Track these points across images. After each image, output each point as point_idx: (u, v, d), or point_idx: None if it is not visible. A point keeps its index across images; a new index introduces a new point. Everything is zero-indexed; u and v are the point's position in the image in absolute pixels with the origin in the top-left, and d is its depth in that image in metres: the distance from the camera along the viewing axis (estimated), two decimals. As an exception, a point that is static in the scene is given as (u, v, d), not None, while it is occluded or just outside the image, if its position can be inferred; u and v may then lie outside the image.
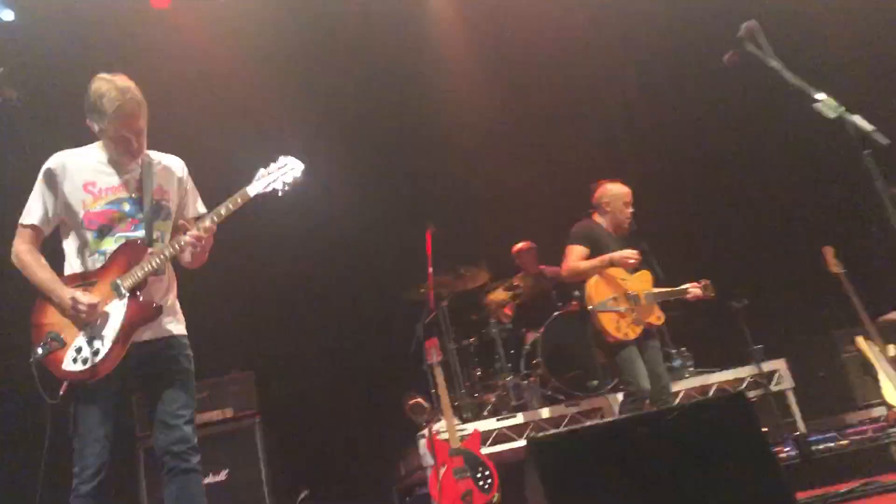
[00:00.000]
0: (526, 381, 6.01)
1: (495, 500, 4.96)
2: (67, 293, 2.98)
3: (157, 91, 3.47)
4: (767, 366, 5.90)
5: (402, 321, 6.58)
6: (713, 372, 6.03)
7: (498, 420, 5.63)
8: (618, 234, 5.14)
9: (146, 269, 3.04)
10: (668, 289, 5.11)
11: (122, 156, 3.18)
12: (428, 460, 5.22)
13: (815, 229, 7.04)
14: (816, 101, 3.15)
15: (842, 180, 6.95)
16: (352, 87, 7.52)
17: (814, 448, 2.72)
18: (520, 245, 7.05)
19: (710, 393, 5.94)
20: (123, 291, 3.02)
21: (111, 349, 2.95)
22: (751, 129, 7.74)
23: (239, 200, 3.16)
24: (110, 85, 3.06)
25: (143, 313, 3.04)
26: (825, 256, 5.85)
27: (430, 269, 6.02)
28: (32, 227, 3.12)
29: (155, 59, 6.56)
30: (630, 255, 4.91)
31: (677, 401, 5.74)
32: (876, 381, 5.65)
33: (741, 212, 7.72)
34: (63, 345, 2.95)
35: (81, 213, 3.10)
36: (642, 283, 5.03)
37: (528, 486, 1.80)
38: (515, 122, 7.77)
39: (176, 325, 3.24)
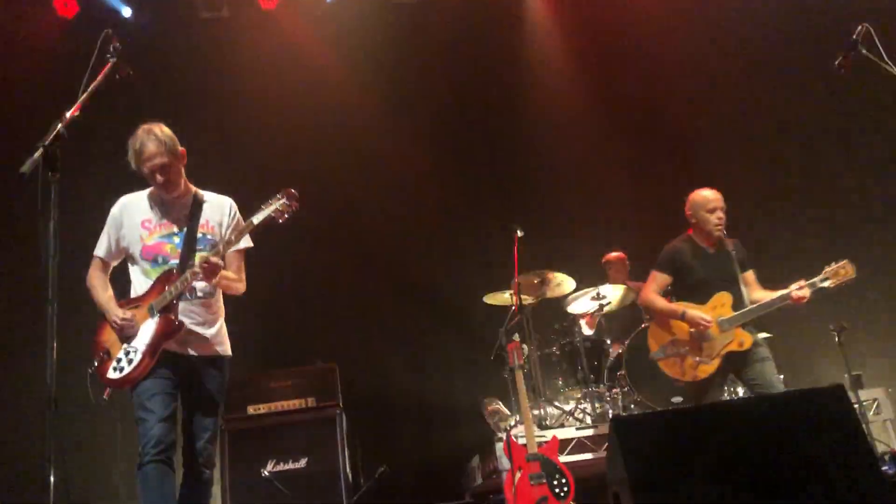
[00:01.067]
0: (608, 393, 5.90)
1: (571, 508, 4.88)
2: (114, 312, 3.52)
3: (257, 86, 3.68)
4: (866, 394, 5.61)
5: (486, 325, 6.58)
6: (806, 396, 5.76)
7: (577, 429, 5.54)
8: (714, 247, 4.86)
9: (172, 292, 3.47)
10: (752, 307, 4.66)
11: (163, 193, 3.64)
12: (504, 464, 5.19)
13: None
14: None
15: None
16: (445, 88, 7.62)
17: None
18: (611, 255, 6.97)
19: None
20: (155, 312, 3.48)
21: (140, 360, 3.42)
22: (862, 138, 7.43)
23: (243, 230, 3.58)
24: (140, 129, 3.54)
25: (166, 328, 3.47)
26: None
27: (517, 273, 6.01)
28: (100, 258, 3.69)
29: (261, 57, 6.84)
30: (702, 320, 4.65)
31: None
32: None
33: (843, 233, 7.40)
34: (109, 358, 3.51)
35: (140, 247, 3.61)
36: (717, 308, 4.72)
37: (610, 465, 1.78)
38: (614, 129, 7.70)
39: (221, 347, 3.70)
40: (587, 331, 6.59)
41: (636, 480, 1.62)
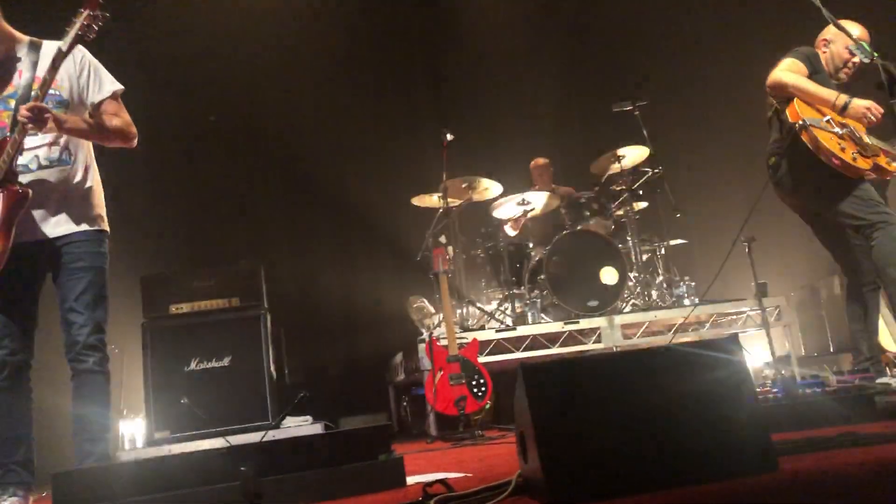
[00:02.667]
0: (528, 296, 6.09)
1: (487, 407, 5.11)
2: None
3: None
4: (769, 301, 5.94)
5: (413, 227, 6.63)
6: (715, 303, 6.08)
7: (497, 332, 5.72)
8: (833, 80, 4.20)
9: (5, 160, 2.98)
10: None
11: None
12: (426, 364, 5.36)
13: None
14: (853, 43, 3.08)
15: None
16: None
17: (801, 391, 2.81)
18: (537, 160, 7.04)
19: (709, 323, 6.03)
20: None
21: None
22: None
23: (59, 58, 3.02)
24: None
25: (12, 200, 2.98)
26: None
27: (445, 177, 6.03)
28: None
29: None
30: (875, 108, 3.88)
31: (675, 328, 5.88)
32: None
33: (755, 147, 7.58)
34: None
35: None
36: (856, 125, 3.98)
37: (517, 406, 1.87)
38: (544, 36, 7.59)
39: (87, 223, 3.24)
40: (511, 232, 6.71)
41: (539, 425, 1.71)
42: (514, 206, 6.33)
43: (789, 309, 6.14)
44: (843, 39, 4.09)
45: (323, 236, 7.24)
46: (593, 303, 5.90)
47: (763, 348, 5.95)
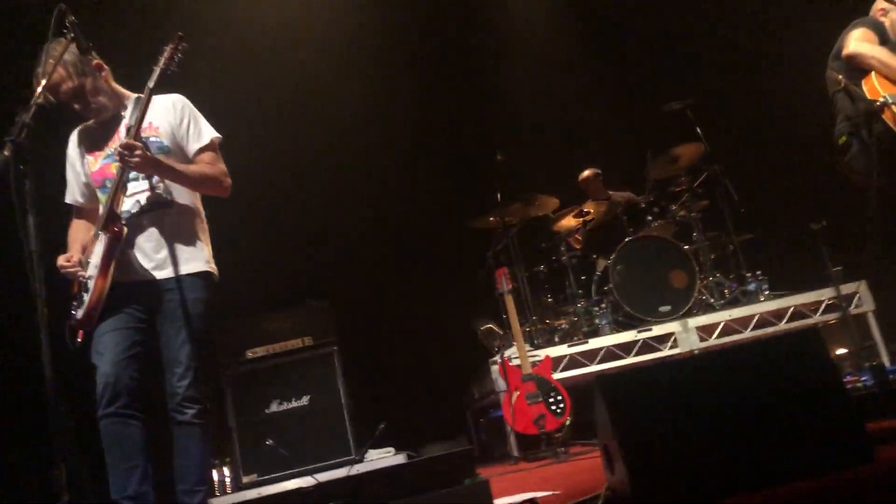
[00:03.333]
0: (597, 308, 6.03)
1: (568, 423, 5.06)
2: (60, 259, 3.11)
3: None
4: (846, 288, 5.74)
5: (473, 250, 6.65)
6: (790, 295, 5.91)
7: (569, 346, 5.67)
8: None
9: (108, 204, 3.04)
10: None
11: (89, 119, 3.27)
12: (500, 385, 5.34)
13: None
14: None
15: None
16: (424, 15, 7.43)
17: (892, 378, 2.70)
18: (585, 173, 6.99)
19: (787, 317, 5.85)
20: (98, 232, 3.07)
21: (94, 285, 3.00)
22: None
23: (146, 98, 3.08)
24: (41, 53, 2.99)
25: (113, 239, 3.03)
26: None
27: (499, 197, 6.04)
28: (72, 205, 3.32)
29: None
30: None
31: (751, 325, 5.73)
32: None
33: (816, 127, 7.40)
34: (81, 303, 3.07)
35: (88, 174, 3.24)
36: None
37: (598, 420, 1.85)
38: (589, 51, 7.59)
39: (193, 265, 3.23)
40: (574, 246, 6.67)
41: (622, 436, 1.70)
42: (573, 219, 6.30)
43: (869, 295, 5.92)
44: None
45: (385, 267, 7.30)
46: (665, 308, 5.80)
47: (847, 337, 5.75)
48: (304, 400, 5.54)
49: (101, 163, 3.20)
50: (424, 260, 7.28)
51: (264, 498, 2.37)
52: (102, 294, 3.00)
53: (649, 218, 6.20)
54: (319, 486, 2.39)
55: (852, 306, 5.76)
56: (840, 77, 4.01)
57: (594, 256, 6.40)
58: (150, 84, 3.04)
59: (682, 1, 7.50)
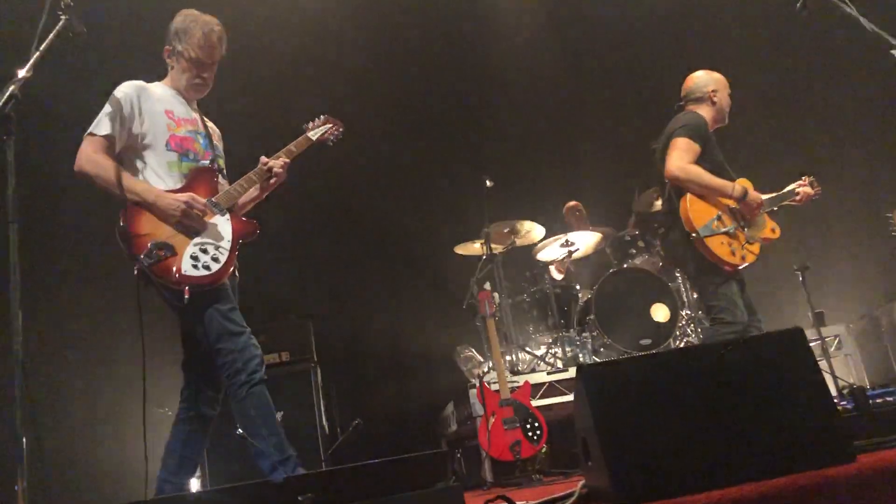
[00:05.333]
0: (579, 338, 6.01)
1: (544, 451, 4.99)
2: (180, 196, 3.09)
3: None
4: (828, 330, 5.77)
5: (458, 275, 6.63)
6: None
7: (549, 374, 5.63)
8: (714, 133, 4.36)
9: (238, 191, 3.27)
10: (775, 194, 4.37)
11: (190, 89, 3.40)
12: (478, 410, 5.28)
13: (881, 191, 6.81)
14: (894, 47, 3.06)
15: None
16: (417, 39, 7.50)
17: (872, 402, 2.68)
18: (569, 204, 7.04)
19: (767, 356, 5.84)
20: (224, 208, 3.21)
21: (228, 258, 3.12)
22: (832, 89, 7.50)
23: (303, 142, 3.52)
24: (200, 15, 3.35)
25: (247, 229, 3.26)
26: (893, 219, 5.67)
27: (486, 223, 6.05)
28: (107, 136, 3.14)
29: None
30: (760, 201, 4.13)
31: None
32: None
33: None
34: (174, 253, 3.03)
35: (168, 136, 3.25)
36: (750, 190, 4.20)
37: (577, 412, 1.82)
38: (578, 84, 7.68)
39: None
40: (557, 276, 6.66)
41: (602, 428, 1.66)
42: (558, 248, 6.30)
43: (850, 338, 5.95)
44: (726, 86, 4.34)
45: (369, 288, 7.27)
46: (646, 341, 5.79)
47: (826, 380, 5.76)
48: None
49: (186, 133, 3.31)
50: (408, 282, 7.26)
51: (233, 487, 2.30)
52: (229, 271, 3.15)
53: (633, 251, 6.22)
54: (290, 479, 2.33)
55: (833, 348, 5.78)
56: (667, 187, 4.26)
57: (577, 287, 6.40)
58: (312, 137, 3.61)
59: (677, 39, 7.61)
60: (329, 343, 6.20)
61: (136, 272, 2.98)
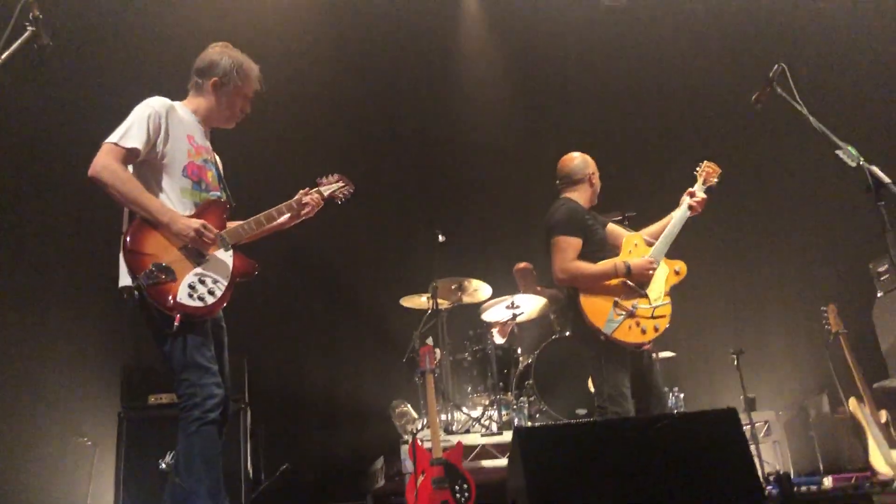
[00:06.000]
0: (516, 402, 5.99)
1: (471, 514, 4.92)
2: (193, 220, 3.07)
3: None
4: (758, 416, 5.87)
5: (401, 327, 6.59)
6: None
7: (482, 436, 5.59)
8: (590, 208, 4.46)
9: (246, 230, 3.29)
10: (663, 228, 4.24)
11: (223, 120, 3.49)
12: (408, 467, 5.19)
13: (819, 286, 7.02)
14: (839, 148, 3.19)
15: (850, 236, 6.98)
16: (378, 88, 7.59)
17: (796, 489, 2.71)
18: (519, 265, 7.09)
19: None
20: (228, 243, 3.20)
21: (225, 292, 3.11)
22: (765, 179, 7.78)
23: (318, 197, 3.60)
24: (238, 52, 3.47)
25: (247, 268, 3.25)
26: (828, 314, 5.85)
27: (435, 278, 6.05)
28: (133, 150, 3.08)
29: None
30: (647, 262, 4.08)
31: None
32: (864, 445, 5.63)
33: (746, 261, 7.71)
34: (174, 279, 3.00)
35: (186, 162, 3.23)
36: (634, 250, 4.19)
37: (510, 474, 1.80)
38: (536, 145, 7.82)
39: None
40: (499, 340, 6.67)
41: (534, 491, 1.65)
42: (504, 310, 6.32)
43: (778, 425, 6.06)
44: (592, 166, 4.42)
45: (310, 331, 7.17)
46: (582, 410, 5.80)
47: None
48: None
49: (201, 162, 3.31)
50: (351, 329, 7.18)
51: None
52: (223, 305, 3.15)
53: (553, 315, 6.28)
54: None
55: (762, 434, 5.87)
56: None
57: (519, 350, 6.41)
58: (325, 193, 3.65)
59: (637, 108, 7.84)
60: (263, 384, 6.07)
61: (126, 290, 2.99)
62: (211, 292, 3.06)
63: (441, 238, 6.04)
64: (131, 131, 3.09)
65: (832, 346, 5.80)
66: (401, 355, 6.26)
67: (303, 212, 3.54)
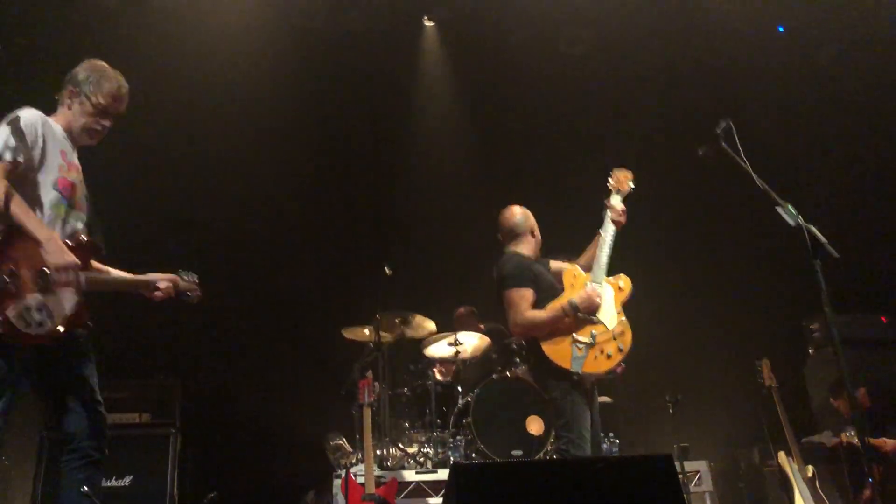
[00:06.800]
0: (452, 440, 5.94)
1: (401, 552, 4.85)
2: (70, 256, 2.99)
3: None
4: (690, 465, 5.93)
5: (341, 359, 6.51)
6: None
7: (417, 473, 5.53)
8: (535, 256, 4.53)
9: (107, 284, 3.32)
10: (601, 251, 4.28)
11: (85, 134, 3.35)
12: (339, 501, 5.11)
13: (755, 340, 7.18)
14: (778, 205, 3.30)
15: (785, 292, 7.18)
16: (332, 117, 7.58)
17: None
18: (460, 310, 7.03)
19: (631, 483, 5.93)
20: (82, 289, 3.07)
21: (53, 329, 2.95)
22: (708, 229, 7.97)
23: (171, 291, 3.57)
24: (112, 69, 3.37)
25: (80, 319, 3.09)
26: (762, 369, 5.98)
27: (378, 310, 6.01)
28: (14, 162, 3.00)
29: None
30: (592, 293, 4.11)
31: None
32: (791, 498, 5.74)
33: (687, 312, 7.83)
34: (15, 292, 2.88)
35: (57, 176, 3.17)
36: (576, 282, 4.24)
37: (446, 511, 1.78)
38: (488, 183, 7.88)
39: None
40: (439, 377, 6.62)
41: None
42: (446, 346, 6.30)
43: (709, 476, 6.12)
44: (532, 218, 4.52)
45: (247, 357, 7.04)
46: (517, 452, 5.75)
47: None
48: (126, 480, 5.12)
49: (73, 179, 3.25)
50: (290, 357, 7.07)
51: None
52: (46, 342, 3.01)
53: (518, 360, 6.27)
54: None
55: (693, 483, 5.93)
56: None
57: (458, 388, 6.37)
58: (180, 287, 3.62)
59: (591, 151, 7.96)
60: (196, 409, 5.92)
61: None
62: (40, 324, 2.92)
63: (388, 271, 6.01)
64: (7, 143, 3.01)
65: (765, 399, 5.94)
66: (339, 386, 6.17)
67: (154, 294, 3.49)
